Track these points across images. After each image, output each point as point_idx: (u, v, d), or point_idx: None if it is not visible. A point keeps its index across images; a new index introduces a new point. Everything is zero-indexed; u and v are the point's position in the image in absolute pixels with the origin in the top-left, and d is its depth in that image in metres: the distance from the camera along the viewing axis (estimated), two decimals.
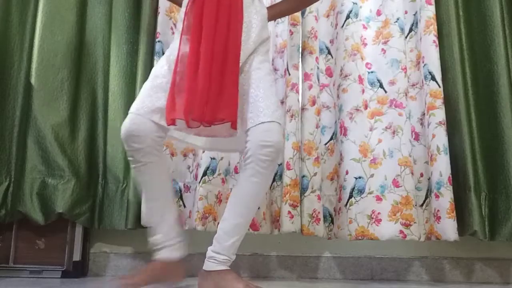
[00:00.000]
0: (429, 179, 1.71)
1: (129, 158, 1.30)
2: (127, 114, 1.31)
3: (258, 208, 1.69)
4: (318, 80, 1.83)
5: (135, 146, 1.27)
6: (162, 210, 1.35)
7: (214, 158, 1.73)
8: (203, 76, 1.25)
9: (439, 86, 1.72)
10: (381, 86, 1.80)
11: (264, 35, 1.41)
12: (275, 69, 1.85)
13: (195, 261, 1.80)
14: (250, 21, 1.38)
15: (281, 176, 1.75)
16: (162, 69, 1.35)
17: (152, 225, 1.36)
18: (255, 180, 1.27)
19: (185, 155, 1.83)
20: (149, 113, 1.27)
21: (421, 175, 1.75)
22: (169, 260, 1.36)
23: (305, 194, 1.71)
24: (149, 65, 1.79)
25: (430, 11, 1.78)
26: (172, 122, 1.26)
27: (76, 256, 1.75)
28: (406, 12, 1.86)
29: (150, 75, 1.37)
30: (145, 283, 1.31)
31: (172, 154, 1.80)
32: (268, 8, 1.50)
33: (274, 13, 1.54)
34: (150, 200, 1.37)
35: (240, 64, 1.32)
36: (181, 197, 1.79)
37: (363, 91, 1.78)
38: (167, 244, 1.35)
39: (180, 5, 1.51)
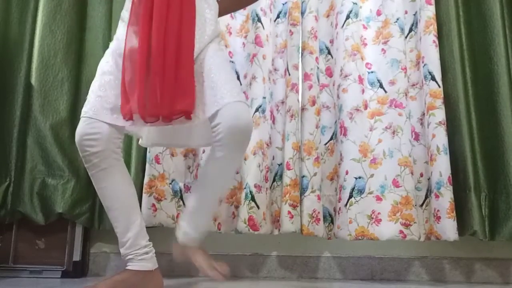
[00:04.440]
0: (429, 179, 1.71)
1: (86, 165, 1.22)
2: None
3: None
4: (318, 80, 1.83)
5: (91, 150, 1.19)
6: (127, 219, 1.25)
7: None
8: (156, 70, 1.18)
9: (439, 86, 1.72)
10: (381, 86, 1.80)
11: (218, 30, 1.37)
12: (275, 69, 1.85)
13: None
14: (203, 15, 1.32)
15: (281, 176, 1.75)
16: (108, 65, 1.27)
17: (118, 236, 1.26)
18: (225, 162, 1.23)
19: (185, 156, 1.83)
20: (101, 115, 1.20)
21: (421, 175, 1.75)
22: (142, 270, 1.25)
23: (305, 194, 1.71)
24: None
25: (430, 11, 1.78)
26: (129, 117, 1.19)
27: (76, 256, 1.75)
28: (406, 12, 1.86)
29: (97, 72, 1.29)
30: None
31: (172, 155, 1.80)
32: (218, 2, 1.44)
33: (224, 7, 1.49)
34: (112, 210, 1.25)
35: (195, 56, 1.26)
36: (181, 197, 1.79)
37: (363, 91, 1.78)
38: (136, 254, 1.25)
39: None
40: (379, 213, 1.66)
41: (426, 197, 1.72)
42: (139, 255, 1.25)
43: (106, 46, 1.85)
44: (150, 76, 1.19)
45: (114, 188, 1.25)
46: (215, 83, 1.22)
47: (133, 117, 1.20)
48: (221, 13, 1.49)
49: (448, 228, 1.60)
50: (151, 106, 1.18)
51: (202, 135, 1.40)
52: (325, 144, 1.83)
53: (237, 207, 1.74)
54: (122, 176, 1.26)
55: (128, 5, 1.32)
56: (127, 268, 1.25)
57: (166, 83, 1.19)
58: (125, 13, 1.32)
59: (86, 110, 1.23)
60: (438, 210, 1.63)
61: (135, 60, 1.21)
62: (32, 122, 1.78)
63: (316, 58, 1.82)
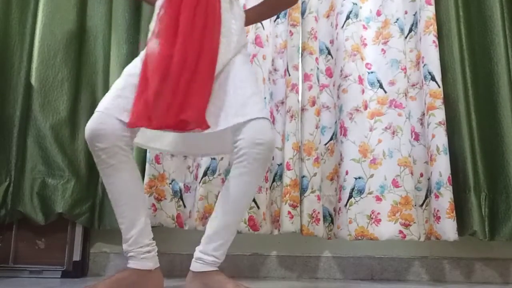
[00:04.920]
0: (428, 179, 1.71)
1: (95, 160, 1.22)
2: None
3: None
4: (318, 80, 1.83)
5: (100, 145, 1.19)
6: (132, 216, 1.25)
7: (214, 159, 1.73)
8: (173, 81, 1.20)
9: (439, 86, 1.72)
10: (381, 86, 1.80)
11: (244, 40, 1.39)
12: (275, 70, 1.85)
13: None
14: (230, 26, 1.34)
15: (281, 176, 1.75)
16: (136, 68, 1.28)
17: (123, 232, 1.26)
18: (247, 179, 1.22)
19: (185, 156, 1.83)
20: (117, 112, 1.21)
21: (421, 175, 1.75)
22: (142, 269, 1.24)
23: (305, 195, 1.71)
24: None
25: (430, 11, 1.78)
26: (132, 125, 1.20)
27: (76, 256, 1.74)
28: (406, 12, 1.86)
29: (123, 73, 1.31)
30: None
31: (172, 154, 1.80)
32: (245, 11, 1.46)
33: (250, 18, 1.50)
34: (119, 205, 1.25)
35: (221, 67, 1.29)
36: (181, 197, 1.79)
37: (363, 91, 1.78)
38: (138, 252, 1.24)
39: (151, 4, 1.47)
40: (378, 213, 1.66)
41: (426, 197, 1.72)
42: (141, 253, 1.25)
43: (106, 46, 1.87)
44: (166, 86, 1.20)
45: (122, 184, 1.24)
46: (242, 97, 1.24)
47: (139, 122, 1.20)
48: (249, 23, 1.50)
49: (448, 228, 1.60)
50: (159, 116, 1.18)
51: (220, 143, 1.41)
52: (325, 144, 1.83)
53: None
54: (130, 172, 1.25)
55: (155, 17, 1.34)
56: (128, 266, 1.25)
57: (178, 95, 1.20)
58: (153, 24, 1.34)
59: (101, 105, 1.24)
60: (438, 210, 1.64)
61: (153, 67, 1.22)
62: (32, 122, 1.78)
63: (316, 58, 1.82)
